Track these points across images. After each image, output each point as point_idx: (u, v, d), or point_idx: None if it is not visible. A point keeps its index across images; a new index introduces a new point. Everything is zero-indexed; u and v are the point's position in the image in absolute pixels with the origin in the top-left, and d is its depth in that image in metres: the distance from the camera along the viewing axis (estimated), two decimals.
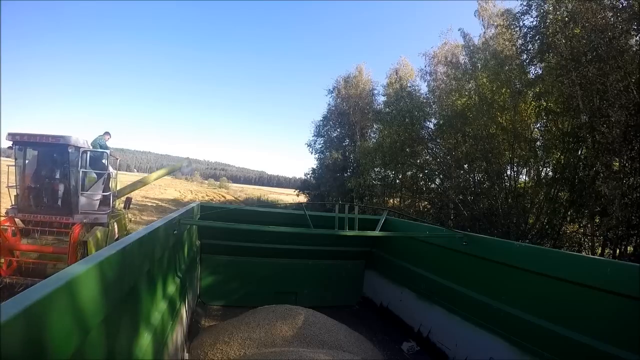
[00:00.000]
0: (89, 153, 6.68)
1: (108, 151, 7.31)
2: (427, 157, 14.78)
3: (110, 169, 7.53)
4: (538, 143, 10.61)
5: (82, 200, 6.50)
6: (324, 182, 21.84)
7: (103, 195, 7.03)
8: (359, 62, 29.20)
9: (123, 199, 8.18)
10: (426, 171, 14.75)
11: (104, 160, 7.25)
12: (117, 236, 7.14)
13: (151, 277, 2.35)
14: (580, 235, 9.39)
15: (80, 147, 6.42)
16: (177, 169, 11.12)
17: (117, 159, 8.26)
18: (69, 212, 6.36)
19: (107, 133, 7.86)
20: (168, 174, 11.45)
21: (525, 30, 9.44)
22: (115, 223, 7.28)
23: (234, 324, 3.51)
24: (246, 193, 52.34)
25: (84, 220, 6.31)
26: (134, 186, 8.73)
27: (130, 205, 8.46)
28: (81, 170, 6.42)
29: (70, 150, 6.24)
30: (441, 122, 13.23)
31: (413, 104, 13.62)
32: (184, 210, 3.81)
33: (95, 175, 6.93)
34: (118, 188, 8.10)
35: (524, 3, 9.27)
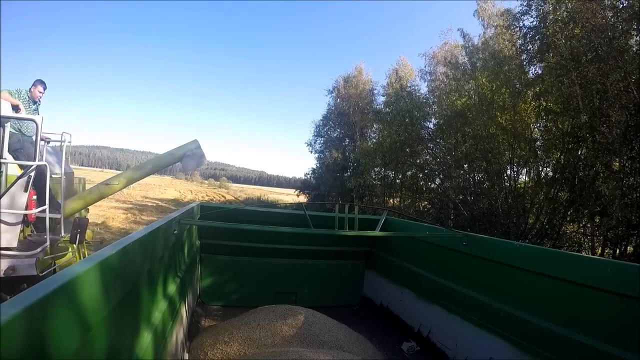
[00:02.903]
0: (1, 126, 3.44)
1: (38, 120, 3.55)
2: (427, 157, 14.79)
3: (51, 158, 4.24)
4: (538, 143, 10.62)
5: None
6: (324, 182, 21.84)
7: (27, 215, 3.54)
8: (358, 62, 29.22)
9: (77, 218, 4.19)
10: (426, 171, 14.75)
11: (33, 138, 3.76)
12: None
13: (151, 277, 2.35)
14: (580, 235, 9.40)
15: None
16: (170, 163, 5.33)
17: (66, 141, 4.28)
18: None
19: (38, 82, 4.29)
20: (157, 171, 5.54)
21: (525, 30, 9.46)
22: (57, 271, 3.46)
23: (234, 324, 3.51)
24: (246, 193, 52.36)
25: None
26: (98, 193, 4.53)
27: (84, 237, 3.99)
28: None
29: None
30: (441, 122, 13.24)
31: (413, 104, 13.63)
32: (184, 210, 3.81)
33: (16, 171, 3.54)
34: (70, 198, 4.36)
35: (524, 3, 9.30)
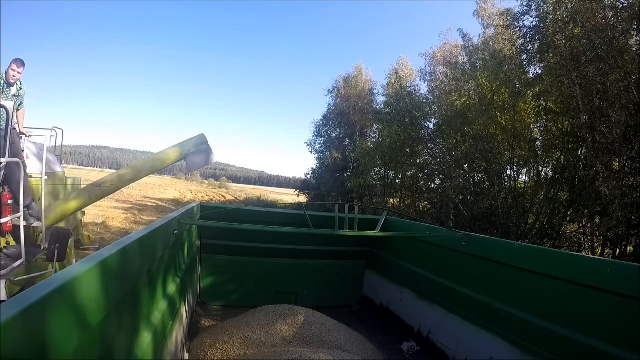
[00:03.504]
0: None
1: (9, 106, 3.17)
2: (427, 157, 14.80)
3: (43, 153, 3.59)
4: (538, 143, 10.63)
5: None
6: (324, 182, 21.84)
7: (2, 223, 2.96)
8: (358, 62, 29.19)
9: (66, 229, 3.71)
10: (426, 171, 14.76)
11: (5, 126, 3.18)
12: None
13: (151, 277, 2.35)
14: (580, 235, 9.40)
15: None
16: (174, 160, 4.72)
17: (48, 136, 3.82)
18: None
19: (12, 61, 3.59)
20: (156, 170, 4.89)
21: (525, 30, 9.46)
22: None
23: (234, 324, 3.51)
24: (246, 193, 52.31)
25: None
26: (89, 195, 4.01)
27: (64, 253, 3.14)
28: None
29: None
30: (441, 122, 13.26)
31: (413, 104, 13.64)
32: (184, 210, 3.81)
33: None
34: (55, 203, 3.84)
35: (524, 3, 9.31)
